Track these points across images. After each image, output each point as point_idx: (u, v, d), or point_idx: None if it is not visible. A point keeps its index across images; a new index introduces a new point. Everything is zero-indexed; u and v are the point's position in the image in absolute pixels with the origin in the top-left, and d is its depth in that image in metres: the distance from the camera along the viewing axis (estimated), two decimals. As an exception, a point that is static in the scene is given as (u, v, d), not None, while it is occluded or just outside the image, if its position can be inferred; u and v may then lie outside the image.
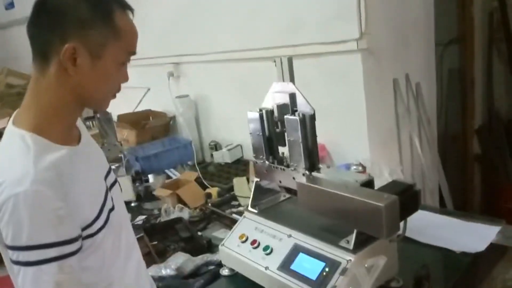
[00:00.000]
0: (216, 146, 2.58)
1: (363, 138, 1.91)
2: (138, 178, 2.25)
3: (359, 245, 1.07)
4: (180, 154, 2.48)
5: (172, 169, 2.42)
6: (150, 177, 2.37)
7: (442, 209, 1.49)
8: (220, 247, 1.35)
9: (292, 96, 1.22)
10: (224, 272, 1.36)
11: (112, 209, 0.93)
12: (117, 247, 0.94)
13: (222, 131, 2.60)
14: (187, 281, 1.41)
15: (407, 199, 1.01)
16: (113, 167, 2.42)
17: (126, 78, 0.91)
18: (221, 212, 1.90)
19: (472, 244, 1.28)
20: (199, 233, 1.76)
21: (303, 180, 1.16)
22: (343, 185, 1.07)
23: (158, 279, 1.43)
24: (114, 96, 0.92)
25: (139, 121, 2.75)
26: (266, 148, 1.32)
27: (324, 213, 1.12)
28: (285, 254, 1.17)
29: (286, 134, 1.23)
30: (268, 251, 1.21)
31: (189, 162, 2.52)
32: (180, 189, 2.07)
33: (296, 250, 1.17)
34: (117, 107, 3.10)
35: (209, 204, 1.98)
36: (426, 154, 2.07)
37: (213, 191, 2.07)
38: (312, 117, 1.18)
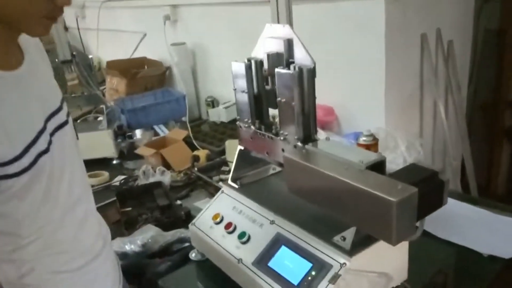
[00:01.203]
0: (212, 103, 2.31)
1: (379, 102, 1.61)
2: (121, 133, 2.01)
3: (359, 244, 0.82)
4: (172, 109, 2.22)
5: (161, 125, 2.17)
6: (138, 133, 2.13)
7: (467, 195, 1.22)
8: (190, 226, 1.12)
9: (288, 44, 0.93)
10: (194, 256, 1.13)
11: (44, 152, 0.77)
12: (52, 197, 0.80)
13: (220, 86, 2.32)
14: (152, 261, 1.18)
15: (429, 192, 0.74)
16: (100, 118, 2.20)
17: None
18: (207, 179, 1.66)
19: (504, 247, 1.02)
20: (179, 202, 1.52)
21: (293, 154, 0.89)
22: (342, 166, 0.80)
23: (121, 256, 1.21)
24: (53, 20, 0.74)
25: (131, 69, 2.47)
26: (252, 109, 1.04)
27: (314, 200, 0.85)
28: (264, 245, 0.93)
29: (277, 92, 0.95)
30: (244, 239, 0.96)
31: (184, 119, 2.26)
32: (164, 148, 1.83)
33: (278, 242, 0.92)
34: (110, 53, 2.83)
35: (196, 169, 1.73)
36: (452, 126, 1.76)
37: (202, 153, 1.82)
38: (311, 72, 0.89)
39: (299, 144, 0.92)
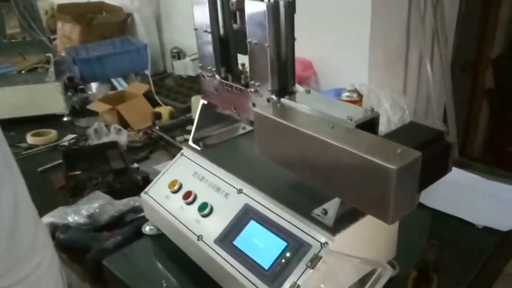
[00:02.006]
0: (178, 55, 2.09)
1: (363, 56, 1.45)
2: (72, 86, 1.78)
3: (343, 219, 0.67)
4: (133, 61, 1.99)
5: (120, 79, 1.94)
6: (93, 86, 1.90)
7: (458, 159, 1.09)
8: (142, 195, 0.94)
9: (262, -29, 0.74)
10: (148, 229, 0.96)
11: None
12: None
13: (187, 36, 2.08)
14: (99, 235, 1.01)
15: (434, 157, 0.59)
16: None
17: None
18: (170, 139, 1.48)
19: (502, 218, 0.90)
20: (136, 165, 1.34)
21: (265, 109, 0.72)
22: (327, 124, 0.63)
23: (62, 228, 1.04)
24: None
25: (86, 14, 2.19)
26: (217, 54, 0.85)
27: (290, 166, 0.69)
28: (230, 219, 0.77)
29: (247, 32, 0.76)
30: (206, 211, 0.80)
31: (145, 72, 2.03)
32: (121, 104, 1.62)
33: (246, 215, 0.76)
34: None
35: (157, 127, 1.54)
36: (437, 82, 1.62)
37: (165, 110, 1.63)
38: (290, 6, 0.70)
39: (273, 97, 0.75)
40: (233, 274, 0.70)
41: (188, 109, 1.67)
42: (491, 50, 2.40)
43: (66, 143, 1.53)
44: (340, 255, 0.63)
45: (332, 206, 0.68)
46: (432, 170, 0.59)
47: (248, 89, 0.79)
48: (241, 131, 1.00)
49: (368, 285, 0.54)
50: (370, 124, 0.64)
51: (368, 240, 0.72)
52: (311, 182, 0.67)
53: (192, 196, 0.84)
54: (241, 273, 0.69)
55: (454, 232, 0.89)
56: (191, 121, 1.59)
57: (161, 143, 1.50)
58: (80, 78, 1.86)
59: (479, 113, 2.49)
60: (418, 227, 0.87)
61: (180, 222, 0.82)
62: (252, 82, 0.78)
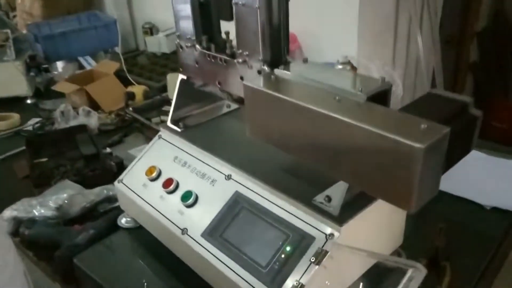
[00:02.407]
0: (151, 30, 1.95)
1: (351, 27, 1.35)
2: (35, 65, 1.62)
3: (350, 207, 0.58)
4: (101, 37, 1.83)
5: (88, 57, 1.79)
6: (59, 66, 1.75)
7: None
8: (116, 184, 0.84)
9: None
10: (123, 222, 0.86)
11: None
12: None
13: (160, 10, 1.95)
14: (69, 230, 0.90)
15: (460, 132, 0.50)
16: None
17: None
18: (145, 121, 1.36)
19: (510, 196, 0.84)
20: (108, 150, 1.22)
21: (257, 82, 0.62)
22: (332, 97, 0.54)
23: (27, 223, 0.92)
24: None
25: (47, -12, 2.00)
26: (196, 20, 0.74)
27: (288, 147, 0.60)
28: (218, 209, 0.67)
29: (232, -6, 0.65)
30: (190, 200, 0.70)
31: (116, 49, 1.88)
32: (90, 84, 1.48)
33: (237, 205, 0.66)
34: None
35: (130, 108, 1.42)
36: (426, 47, 1.55)
37: (138, 90, 1.50)
38: (283, -40, 0.60)
39: (265, 68, 0.65)
40: (225, 273, 0.61)
41: (164, 88, 1.54)
42: (476, 23, 2.34)
43: (29, 128, 1.39)
44: (349, 249, 0.55)
45: (336, 192, 0.59)
46: (456, 148, 0.50)
47: (235, 60, 0.69)
48: (226, 110, 0.90)
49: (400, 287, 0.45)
50: (382, 97, 0.54)
51: (376, 228, 0.64)
52: (314, 166, 0.58)
53: (174, 184, 0.73)
54: (235, 272, 0.60)
55: (462, 215, 0.82)
56: (167, 101, 1.47)
57: (136, 125, 1.38)
58: (43, 57, 1.70)
59: (463, 87, 2.44)
60: (423, 210, 0.80)
61: (160, 213, 0.72)
62: (240, 51, 0.67)
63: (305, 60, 0.65)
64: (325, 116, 0.51)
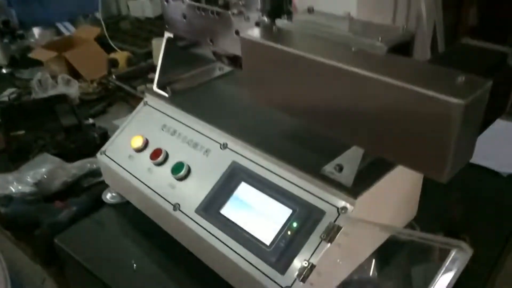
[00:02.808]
0: (134, -7, 1.82)
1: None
2: (8, 31, 1.50)
3: (364, 176, 0.51)
4: (80, 1, 1.71)
5: (66, 23, 1.67)
6: (35, 32, 1.63)
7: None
8: (98, 156, 0.75)
9: None
10: (108, 198, 0.78)
11: None
12: None
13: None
14: (49, 207, 0.82)
15: (499, 88, 0.43)
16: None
17: None
18: (130, 89, 1.27)
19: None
20: (91, 121, 1.13)
21: (257, 33, 0.53)
22: (348, 49, 0.46)
23: (3, 200, 0.84)
24: None
25: None
26: (184, -33, 0.65)
27: (295, 111, 0.52)
28: (214, 182, 0.60)
29: None
30: (182, 173, 0.62)
31: (97, 14, 1.76)
32: (69, 51, 1.37)
33: (235, 176, 0.59)
34: None
35: (113, 76, 1.32)
36: (429, 11, 1.46)
37: (121, 56, 1.40)
38: None
39: (265, 19, 0.56)
40: (224, 253, 0.54)
41: (149, 54, 1.44)
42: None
43: (5, 99, 1.29)
44: (365, 224, 0.48)
45: (349, 160, 0.52)
46: (493, 106, 0.43)
47: (229, 12, 0.60)
48: (218, 73, 0.81)
49: (442, 271, 0.39)
50: (404, 48, 0.47)
51: (391, 200, 0.58)
52: (324, 131, 0.50)
53: (163, 155, 0.66)
54: (235, 251, 0.53)
55: (476, 183, 0.76)
56: (153, 68, 1.36)
57: (120, 94, 1.29)
58: (17, 22, 1.58)
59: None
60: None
61: (149, 188, 0.65)
62: (234, 1, 0.58)
63: (311, 10, 0.56)
64: (340, 70, 0.43)
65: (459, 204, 0.67)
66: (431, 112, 0.38)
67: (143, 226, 0.70)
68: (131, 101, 1.23)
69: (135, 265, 0.65)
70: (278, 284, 0.49)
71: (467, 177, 0.76)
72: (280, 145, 0.59)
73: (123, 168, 0.70)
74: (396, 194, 0.58)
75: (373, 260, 0.58)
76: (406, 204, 0.62)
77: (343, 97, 0.44)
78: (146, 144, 0.69)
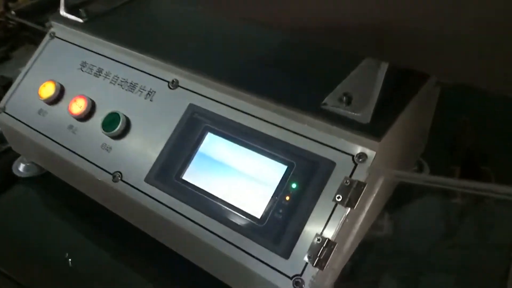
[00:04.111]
0: None
1: None
2: None
3: (381, 108, 0.36)
4: None
5: None
6: None
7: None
8: (-4, 116, 0.54)
9: None
10: (21, 170, 0.58)
11: None
12: None
13: None
14: None
15: None
16: None
17: None
18: (36, 27, 1.01)
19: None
20: (-11, 70, 0.88)
21: None
22: None
23: None
24: None
25: None
26: None
27: (292, 19, 0.34)
28: (167, 138, 0.42)
29: None
30: (118, 128, 0.44)
31: None
32: None
33: (196, 125, 0.42)
34: None
35: (13, 12, 1.05)
36: None
37: (20, -14, 1.10)
38: None
39: None
40: (195, 234, 0.38)
41: (56, -18, 1.16)
42: None
43: None
44: (397, 175, 0.34)
45: (359, 85, 0.36)
46: None
47: None
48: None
49: None
50: None
51: (407, 137, 0.44)
52: (329, 40, 0.33)
53: (87, 105, 0.46)
54: (211, 231, 0.37)
55: (484, 105, 0.63)
56: (63, -2, 1.11)
57: (24, 34, 1.03)
58: None
59: None
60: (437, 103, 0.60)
61: (74, 153, 0.46)
62: None
63: None
64: None
65: (471, 129, 0.55)
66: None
67: (75, 201, 0.51)
68: (39, 41, 0.98)
69: (70, 260, 0.47)
70: (281, 273, 0.34)
71: (472, 99, 0.64)
72: (254, 76, 0.42)
73: (32, 128, 0.49)
74: (413, 128, 0.44)
75: (386, 214, 0.46)
76: (419, 138, 0.49)
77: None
78: (61, 91, 0.49)
